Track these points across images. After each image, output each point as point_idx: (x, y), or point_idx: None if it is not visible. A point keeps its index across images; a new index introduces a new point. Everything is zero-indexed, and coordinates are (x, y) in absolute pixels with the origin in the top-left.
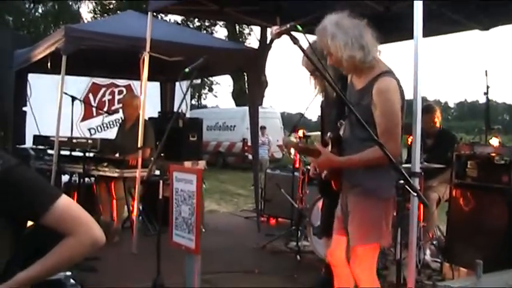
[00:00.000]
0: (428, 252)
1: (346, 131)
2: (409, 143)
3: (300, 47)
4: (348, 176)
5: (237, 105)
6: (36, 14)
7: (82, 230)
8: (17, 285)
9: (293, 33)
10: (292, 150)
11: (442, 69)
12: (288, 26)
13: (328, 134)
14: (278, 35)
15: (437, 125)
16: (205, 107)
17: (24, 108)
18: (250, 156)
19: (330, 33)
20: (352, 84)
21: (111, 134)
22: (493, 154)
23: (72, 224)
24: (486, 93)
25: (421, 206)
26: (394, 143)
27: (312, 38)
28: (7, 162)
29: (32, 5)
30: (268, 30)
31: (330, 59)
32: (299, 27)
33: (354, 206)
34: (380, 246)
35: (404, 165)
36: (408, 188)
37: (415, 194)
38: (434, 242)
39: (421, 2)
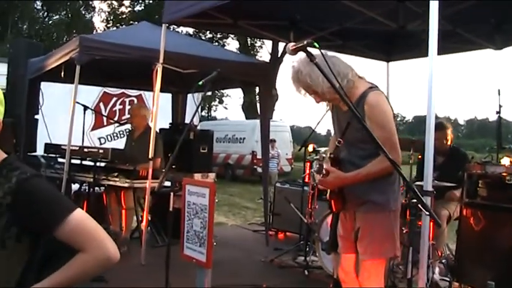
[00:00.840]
0: (437, 270)
1: (344, 150)
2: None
3: (317, 64)
4: (356, 192)
5: (247, 117)
6: (50, 22)
7: (95, 246)
8: None
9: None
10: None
11: (452, 86)
12: (305, 42)
13: (328, 154)
14: (295, 51)
15: (449, 142)
16: (214, 118)
17: (36, 116)
18: (259, 169)
19: (306, 73)
20: (337, 108)
21: (121, 143)
22: (505, 174)
23: (86, 239)
24: (498, 112)
25: (432, 224)
26: (395, 152)
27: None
28: (23, 173)
29: (45, 14)
30: (280, 44)
31: (316, 97)
32: (316, 44)
33: (365, 222)
34: (393, 259)
35: (416, 183)
36: (421, 207)
37: (428, 213)
38: (443, 261)
39: (437, 21)
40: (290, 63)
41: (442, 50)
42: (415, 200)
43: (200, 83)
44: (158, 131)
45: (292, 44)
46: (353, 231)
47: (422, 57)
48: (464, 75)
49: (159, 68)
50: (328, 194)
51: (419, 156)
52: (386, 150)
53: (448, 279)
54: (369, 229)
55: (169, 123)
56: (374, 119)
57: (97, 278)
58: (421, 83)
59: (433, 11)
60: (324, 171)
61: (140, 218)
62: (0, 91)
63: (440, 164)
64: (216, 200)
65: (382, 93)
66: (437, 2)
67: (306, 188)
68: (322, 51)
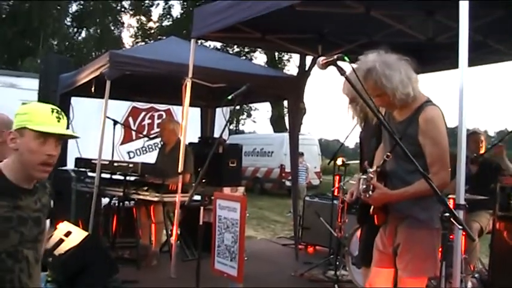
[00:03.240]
0: (470, 285)
1: (392, 163)
2: None
3: (347, 78)
4: (399, 207)
5: (275, 131)
6: (79, 38)
7: None
8: None
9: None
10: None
11: (482, 97)
12: (336, 56)
13: (375, 168)
14: (325, 65)
15: (483, 150)
16: (242, 132)
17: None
18: (287, 183)
19: (383, 74)
20: (391, 117)
21: (150, 157)
22: None
23: None
24: None
25: (465, 237)
26: (446, 171)
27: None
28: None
29: (75, 30)
30: (308, 57)
31: (378, 100)
32: (346, 58)
33: (407, 238)
34: (434, 277)
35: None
36: (454, 222)
37: (461, 227)
38: (476, 275)
39: (467, 32)
40: (358, 65)
41: (472, 62)
42: (447, 214)
43: (230, 97)
44: (188, 144)
45: (323, 58)
46: (392, 247)
47: (453, 69)
48: (493, 86)
49: (188, 83)
50: (372, 209)
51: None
52: (437, 168)
53: None
54: (409, 245)
55: (198, 138)
56: (429, 134)
57: None
58: (451, 94)
59: (463, 23)
60: (370, 188)
61: (170, 232)
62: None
63: (474, 174)
64: (247, 214)
65: (439, 108)
66: (467, 14)
67: (335, 201)
68: (352, 65)
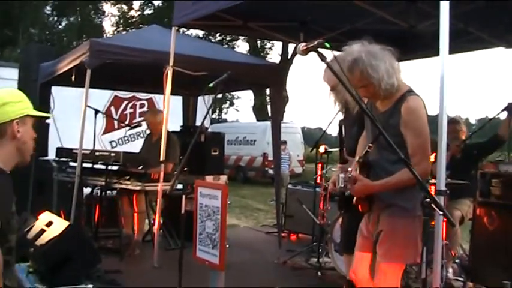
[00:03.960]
0: (451, 270)
1: (374, 154)
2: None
3: (328, 64)
4: (381, 196)
5: (257, 119)
6: (60, 27)
7: None
8: None
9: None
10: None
11: (463, 85)
12: (316, 42)
13: (357, 158)
14: (305, 51)
15: (463, 137)
16: (225, 121)
17: (47, 121)
18: (270, 171)
19: (369, 64)
20: (373, 107)
21: (132, 147)
22: None
23: None
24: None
25: (445, 223)
26: (427, 161)
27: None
28: None
29: (55, 19)
30: (290, 45)
31: (363, 90)
32: (327, 44)
33: (388, 225)
34: (415, 264)
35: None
36: (435, 207)
37: (441, 213)
38: (457, 261)
39: (448, 20)
40: (342, 55)
41: (453, 49)
42: (428, 200)
43: (211, 85)
44: (173, 134)
45: (303, 44)
46: (374, 233)
47: (434, 57)
48: (474, 74)
49: (170, 71)
50: (355, 199)
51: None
52: (419, 158)
53: (462, 279)
54: (391, 232)
55: (181, 126)
56: (411, 125)
57: (110, 281)
58: (432, 82)
59: (443, 10)
60: (351, 181)
61: (152, 221)
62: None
63: (456, 161)
64: (228, 202)
65: (420, 97)
66: (448, 1)
67: (318, 189)
68: (333, 51)
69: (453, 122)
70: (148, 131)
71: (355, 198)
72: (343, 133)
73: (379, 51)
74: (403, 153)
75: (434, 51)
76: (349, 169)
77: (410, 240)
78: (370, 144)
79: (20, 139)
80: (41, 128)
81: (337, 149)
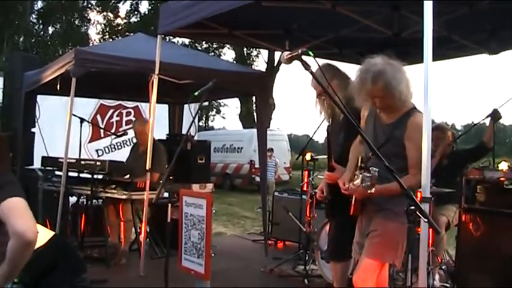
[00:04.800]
0: (437, 277)
1: (374, 161)
2: None
3: (311, 72)
4: (376, 200)
5: (244, 127)
6: (45, 35)
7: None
8: None
9: (304, 58)
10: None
11: (448, 91)
12: (300, 51)
13: (358, 163)
14: (289, 60)
15: (448, 144)
16: (212, 128)
17: (32, 129)
18: (257, 179)
19: (393, 77)
20: (378, 118)
21: (119, 155)
22: (503, 179)
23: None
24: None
25: (431, 230)
26: (421, 173)
27: (321, 62)
28: None
29: (41, 27)
30: (276, 53)
31: (379, 101)
32: (310, 53)
33: (380, 225)
34: (393, 266)
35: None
36: (419, 215)
37: (426, 221)
38: (443, 267)
39: (431, 27)
40: (364, 67)
41: (437, 56)
42: (413, 207)
43: (196, 93)
44: (158, 141)
45: (287, 53)
46: (365, 232)
47: (418, 64)
48: (459, 80)
49: (155, 79)
50: (354, 200)
51: None
52: (416, 170)
53: (448, 285)
54: (380, 232)
55: (166, 135)
56: (415, 140)
57: None
58: (417, 89)
59: (427, 18)
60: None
61: (139, 230)
62: None
63: (442, 167)
64: (214, 211)
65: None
66: (431, 10)
67: (304, 196)
68: (316, 59)
69: (436, 129)
70: (135, 140)
71: (354, 199)
72: (330, 140)
73: (400, 65)
74: (403, 164)
75: (419, 58)
76: (374, 168)
77: (395, 243)
78: (370, 156)
79: None
80: (27, 136)
81: (323, 157)
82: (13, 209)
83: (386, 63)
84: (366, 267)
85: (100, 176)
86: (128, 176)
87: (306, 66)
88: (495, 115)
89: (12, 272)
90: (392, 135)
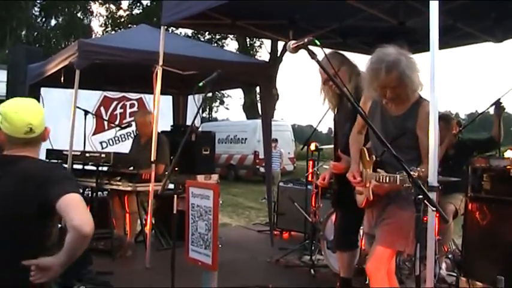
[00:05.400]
0: (444, 266)
1: (386, 153)
2: None
3: (318, 61)
4: (390, 191)
5: (248, 118)
6: (48, 27)
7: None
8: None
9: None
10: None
11: (452, 80)
12: (306, 40)
13: (373, 158)
14: (295, 49)
15: (453, 134)
16: (216, 119)
17: None
18: (261, 169)
19: (407, 67)
20: (384, 109)
21: (123, 147)
22: (509, 167)
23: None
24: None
25: (438, 219)
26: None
27: (327, 51)
28: None
29: (43, 19)
30: (279, 43)
31: (390, 91)
32: (317, 42)
33: (393, 213)
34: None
35: None
36: (428, 204)
37: (434, 209)
38: (450, 256)
39: (437, 15)
40: (378, 56)
41: (442, 45)
42: (421, 196)
43: (200, 84)
44: (162, 134)
45: (293, 42)
46: (378, 221)
47: (423, 52)
48: (464, 68)
49: (159, 71)
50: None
51: None
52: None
53: (455, 274)
54: (393, 220)
55: (171, 126)
56: (425, 128)
57: (102, 283)
58: (422, 77)
59: (432, 6)
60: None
61: (144, 222)
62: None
63: (449, 156)
64: (220, 202)
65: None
66: (437, 1)
67: (309, 187)
68: (323, 49)
69: (440, 119)
70: (137, 132)
71: (370, 193)
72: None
73: (411, 55)
74: (415, 154)
75: (424, 47)
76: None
77: (406, 231)
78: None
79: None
80: None
81: (327, 146)
82: (71, 205)
83: (399, 53)
84: (378, 255)
85: (105, 168)
86: (132, 168)
87: (313, 55)
88: (499, 109)
89: (68, 261)
90: (405, 128)
